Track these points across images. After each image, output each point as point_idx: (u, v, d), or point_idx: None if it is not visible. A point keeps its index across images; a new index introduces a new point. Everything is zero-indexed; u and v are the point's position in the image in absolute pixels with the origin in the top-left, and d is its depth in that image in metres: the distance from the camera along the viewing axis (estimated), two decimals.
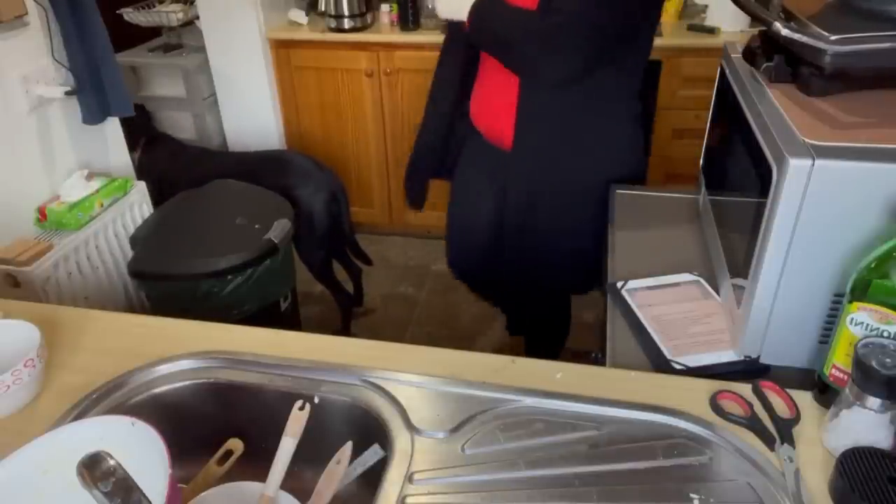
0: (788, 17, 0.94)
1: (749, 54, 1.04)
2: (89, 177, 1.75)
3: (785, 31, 0.84)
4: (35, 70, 1.64)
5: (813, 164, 0.76)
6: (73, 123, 1.75)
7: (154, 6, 2.95)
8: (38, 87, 1.63)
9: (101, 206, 1.76)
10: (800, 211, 0.79)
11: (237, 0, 2.67)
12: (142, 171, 2.17)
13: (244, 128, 2.97)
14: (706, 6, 2.56)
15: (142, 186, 1.88)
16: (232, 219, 1.81)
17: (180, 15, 2.86)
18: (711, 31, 2.46)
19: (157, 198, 2.06)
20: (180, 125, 3.01)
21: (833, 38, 0.84)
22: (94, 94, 1.68)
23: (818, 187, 0.77)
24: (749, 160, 0.94)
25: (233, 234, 1.76)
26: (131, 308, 1.85)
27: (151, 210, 1.93)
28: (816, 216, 0.80)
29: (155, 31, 3.04)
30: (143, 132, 2.45)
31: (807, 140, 0.80)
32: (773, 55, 0.96)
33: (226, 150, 3.02)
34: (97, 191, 1.75)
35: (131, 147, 2.10)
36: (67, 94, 1.64)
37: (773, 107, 0.91)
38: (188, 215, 1.87)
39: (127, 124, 1.97)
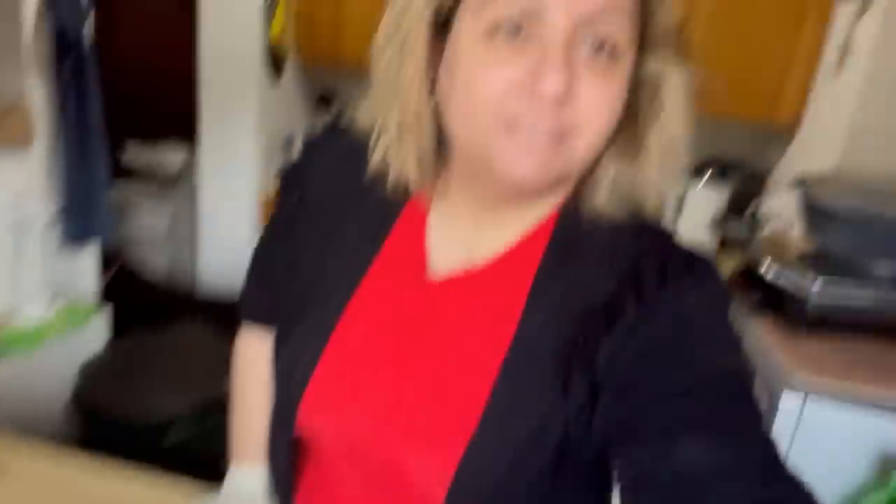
0: (773, 256, 1.02)
1: (732, 285, 1.11)
2: (53, 299, 1.69)
3: (771, 276, 0.91)
4: (25, 189, 1.64)
5: (805, 401, 0.77)
6: (50, 243, 1.73)
7: (157, 145, 3.05)
8: (25, 207, 1.62)
9: (57, 331, 1.67)
10: (789, 448, 0.79)
11: (241, 153, 2.78)
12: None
13: (220, 272, 2.95)
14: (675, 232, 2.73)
15: (105, 315, 1.81)
16: (192, 362, 1.73)
17: (180, 157, 2.96)
18: None
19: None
20: (153, 263, 2.98)
21: (815, 289, 0.91)
22: (80, 216, 1.68)
23: (809, 425, 0.78)
24: None
25: (188, 380, 1.67)
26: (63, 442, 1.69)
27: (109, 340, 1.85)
28: (804, 456, 0.79)
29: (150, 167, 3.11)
30: (110, 264, 2.41)
31: (798, 376, 0.82)
32: (757, 290, 1.02)
33: (194, 295, 2.97)
34: (56, 316, 1.68)
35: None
36: (53, 217, 1.63)
37: (760, 339, 0.95)
38: (147, 352, 1.79)
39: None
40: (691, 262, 0.57)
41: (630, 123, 0.57)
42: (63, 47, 1.62)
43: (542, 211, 0.62)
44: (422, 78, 0.57)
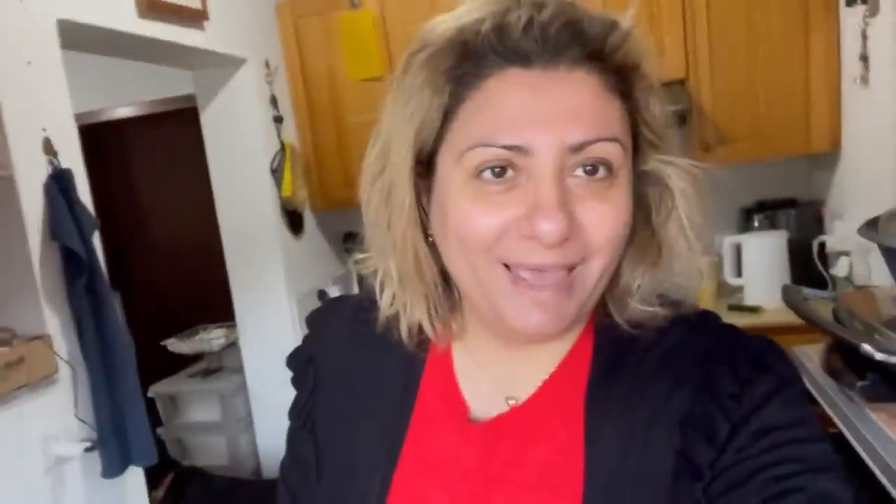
0: (867, 329, 0.84)
1: (830, 370, 0.92)
2: None
3: (880, 356, 0.73)
4: (57, 429, 1.57)
5: None
6: (91, 479, 1.64)
7: (198, 333, 3.04)
8: (58, 446, 1.55)
9: None
10: None
11: (275, 320, 2.73)
12: None
13: (279, 449, 2.82)
14: (742, 286, 2.52)
15: None
16: None
17: (222, 341, 2.93)
18: (754, 309, 2.36)
19: None
20: (213, 451, 2.89)
21: None
22: (116, 445, 1.60)
23: None
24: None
25: None
26: None
27: None
28: None
29: (197, 356, 3.09)
30: (168, 469, 2.32)
31: None
32: (866, 373, 0.83)
33: (258, 479, 2.84)
34: None
35: (153, 485, 1.95)
36: (87, 450, 1.55)
37: (882, 432, 0.75)
38: None
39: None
40: (759, 358, 0.53)
41: (643, 221, 0.55)
42: (73, 268, 1.60)
43: (575, 334, 0.58)
44: (414, 224, 0.54)
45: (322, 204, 2.82)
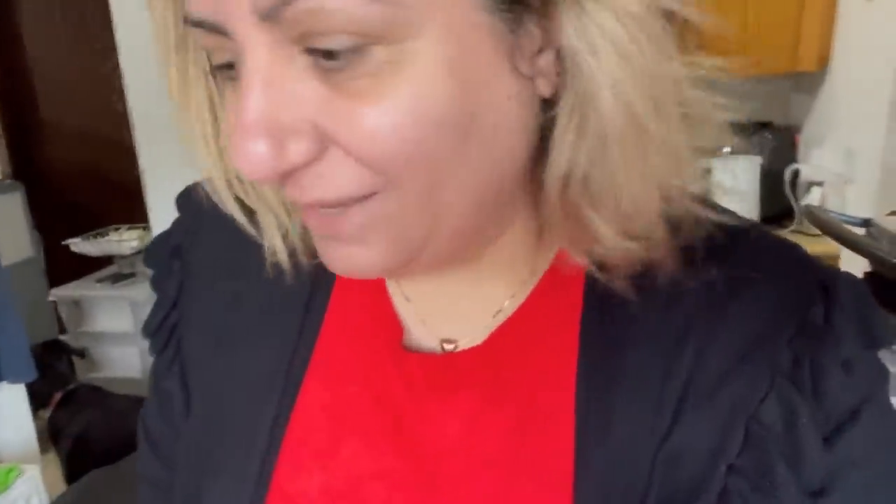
0: None
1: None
2: None
3: None
4: None
5: None
6: None
7: (108, 234, 2.73)
8: None
9: None
10: None
11: None
12: (55, 433, 1.76)
13: None
14: None
15: (34, 474, 1.45)
16: None
17: (135, 243, 2.63)
18: None
19: (75, 467, 1.64)
20: (126, 362, 2.65)
21: None
22: None
23: None
24: None
25: None
26: None
27: (51, 496, 1.49)
28: None
29: (107, 259, 2.79)
30: (58, 386, 2.05)
31: None
32: None
33: None
34: None
35: (41, 404, 1.71)
36: None
37: None
38: None
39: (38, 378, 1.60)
40: (864, 317, 0.37)
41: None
42: None
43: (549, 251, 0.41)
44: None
45: None
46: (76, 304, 2.68)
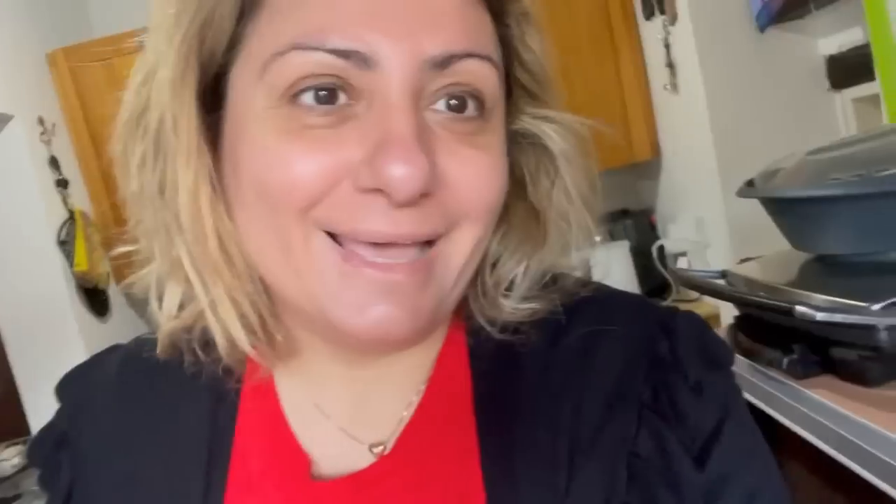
0: (780, 294, 0.74)
1: (743, 350, 0.82)
2: None
3: (821, 315, 0.62)
4: None
5: None
6: None
7: None
8: None
9: None
10: None
11: None
12: None
13: None
14: None
15: None
16: None
17: (16, 461, 2.37)
18: None
19: None
20: None
21: (876, 307, 0.63)
22: None
23: None
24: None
25: None
26: None
27: None
28: None
29: None
30: None
31: None
32: (790, 345, 0.73)
33: None
34: None
35: None
36: None
37: (829, 409, 0.65)
38: None
39: None
40: (702, 342, 0.42)
41: (513, 195, 0.41)
42: None
43: (437, 344, 0.43)
44: (206, 180, 0.36)
45: (129, 277, 2.42)
46: None
